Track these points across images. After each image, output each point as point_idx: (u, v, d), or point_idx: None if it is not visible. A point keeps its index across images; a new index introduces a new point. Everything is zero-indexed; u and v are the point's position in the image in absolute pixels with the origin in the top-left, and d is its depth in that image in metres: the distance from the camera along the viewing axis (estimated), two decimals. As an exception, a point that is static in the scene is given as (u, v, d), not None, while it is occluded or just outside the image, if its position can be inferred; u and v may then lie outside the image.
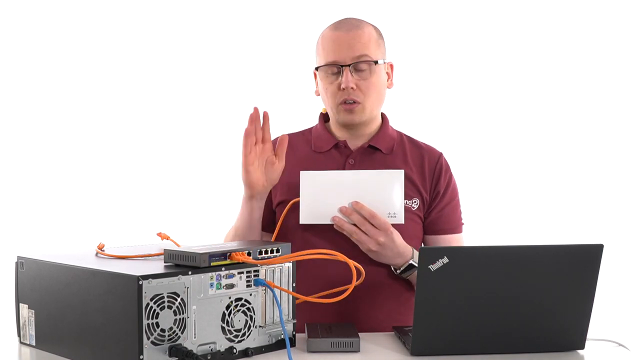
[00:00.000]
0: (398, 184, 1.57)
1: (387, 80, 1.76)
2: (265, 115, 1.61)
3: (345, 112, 1.69)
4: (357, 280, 1.42)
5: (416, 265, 1.58)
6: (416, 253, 1.62)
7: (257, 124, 1.60)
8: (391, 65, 1.77)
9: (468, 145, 3.29)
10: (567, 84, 3.36)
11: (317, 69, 1.73)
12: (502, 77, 3.37)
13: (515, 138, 3.38)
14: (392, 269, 1.65)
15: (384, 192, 1.57)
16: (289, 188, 1.71)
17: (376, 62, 1.67)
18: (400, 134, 1.81)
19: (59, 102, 3.34)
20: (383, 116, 1.81)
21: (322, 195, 1.58)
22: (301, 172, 1.60)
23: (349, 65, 1.65)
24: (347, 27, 1.68)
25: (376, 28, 1.74)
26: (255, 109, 1.60)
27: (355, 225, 1.56)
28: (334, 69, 1.67)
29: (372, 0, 3.19)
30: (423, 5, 3.35)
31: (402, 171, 1.59)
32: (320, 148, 1.77)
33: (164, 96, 3.39)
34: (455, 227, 1.77)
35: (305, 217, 1.58)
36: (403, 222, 1.58)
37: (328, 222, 1.58)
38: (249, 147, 1.60)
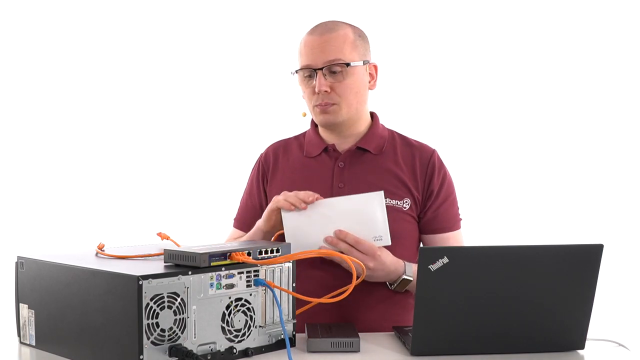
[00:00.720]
0: (379, 206, 1.55)
1: (370, 82, 1.74)
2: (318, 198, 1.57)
3: (321, 113, 1.69)
4: (357, 278, 1.42)
5: (409, 279, 1.58)
6: (409, 266, 1.61)
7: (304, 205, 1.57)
8: (375, 66, 1.75)
9: (469, 145, 3.30)
10: (567, 85, 3.37)
11: (293, 73, 1.73)
12: (504, 77, 3.37)
13: (516, 139, 3.38)
14: (387, 284, 1.65)
15: (367, 216, 1.55)
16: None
17: (348, 65, 1.65)
18: (392, 133, 1.80)
19: (59, 102, 3.34)
20: (373, 115, 1.80)
21: (306, 227, 1.56)
22: (282, 210, 1.57)
23: (321, 69, 1.65)
24: (320, 31, 1.68)
25: (355, 29, 1.72)
26: (315, 198, 1.56)
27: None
28: (308, 72, 1.68)
29: (368, 1, 3.19)
30: (418, 4, 3.35)
31: (382, 192, 1.57)
32: (310, 153, 1.77)
33: (164, 97, 3.40)
34: (452, 224, 1.76)
35: (293, 250, 1.57)
36: (390, 244, 1.56)
37: (324, 255, 1.55)
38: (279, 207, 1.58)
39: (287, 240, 1.57)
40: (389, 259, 1.57)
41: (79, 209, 3.31)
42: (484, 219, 3.06)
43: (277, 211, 1.59)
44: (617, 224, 3.29)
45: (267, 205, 1.76)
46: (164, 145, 3.40)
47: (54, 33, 3.31)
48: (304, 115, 1.80)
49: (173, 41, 3.38)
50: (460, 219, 1.79)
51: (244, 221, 1.81)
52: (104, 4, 3.33)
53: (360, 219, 1.55)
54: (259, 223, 1.66)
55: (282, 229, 1.60)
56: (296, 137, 1.85)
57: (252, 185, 1.84)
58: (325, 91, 1.65)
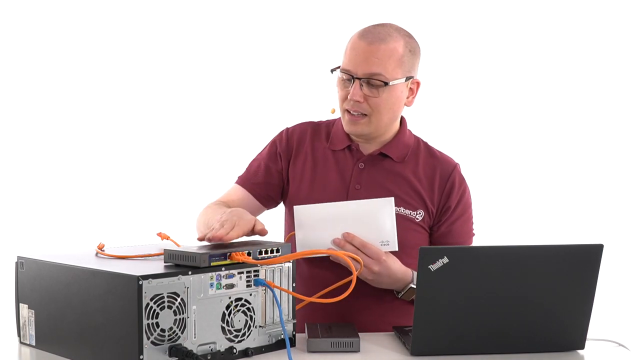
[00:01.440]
0: (389, 212, 1.57)
1: (408, 97, 1.69)
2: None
3: (350, 122, 1.66)
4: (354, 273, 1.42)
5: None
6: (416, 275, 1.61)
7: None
8: (417, 83, 1.70)
9: (468, 144, 3.29)
10: (567, 84, 3.36)
11: (333, 71, 1.69)
12: (504, 76, 3.37)
13: (516, 138, 3.38)
14: (394, 292, 1.64)
15: (376, 221, 1.57)
16: (302, 182, 1.72)
17: (386, 84, 1.60)
18: (418, 141, 1.77)
19: (59, 102, 3.34)
20: (402, 121, 1.77)
21: (317, 228, 1.57)
22: (295, 206, 1.59)
23: (360, 79, 1.61)
24: (371, 39, 1.61)
25: (408, 43, 1.65)
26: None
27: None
28: (347, 76, 1.64)
29: (384, 4, 3.19)
30: (436, 10, 3.35)
31: (392, 199, 1.58)
32: (334, 146, 1.75)
33: (164, 96, 3.39)
34: (464, 240, 1.75)
35: (301, 248, 1.58)
36: (397, 250, 1.57)
37: (324, 254, 1.57)
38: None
39: (297, 237, 1.59)
40: (396, 265, 1.57)
41: (79, 209, 3.31)
42: (485, 220, 3.05)
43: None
44: (617, 224, 3.29)
45: (278, 181, 1.76)
46: (164, 145, 3.39)
47: (54, 33, 3.31)
48: (333, 111, 1.77)
49: (173, 39, 3.38)
50: (473, 234, 1.78)
51: (248, 182, 1.77)
52: (104, 4, 3.33)
53: (368, 223, 1.57)
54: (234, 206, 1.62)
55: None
56: (327, 124, 1.81)
57: (268, 156, 1.79)
58: (357, 101, 1.62)
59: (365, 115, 1.64)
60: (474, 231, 1.78)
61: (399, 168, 1.71)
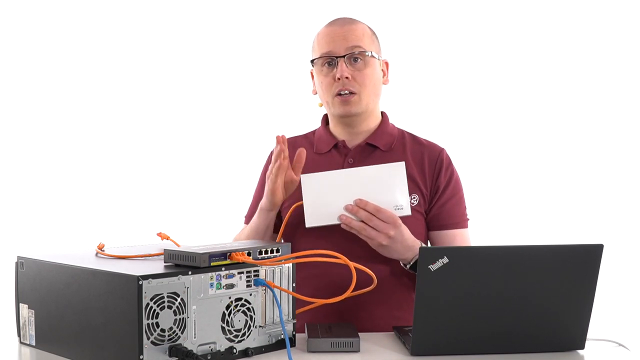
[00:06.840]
0: (400, 177, 1.56)
1: (383, 77, 1.78)
2: (284, 138, 1.60)
3: (341, 103, 1.70)
4: (369, 286, 1.44)
5: None
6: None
7: (284, 147, 1.59)
8: (386, 63, 1.80)
9: (469, 144, 3.29)
10: (568, 84, 3.36)
11: (312, 62, 1.76)
12: (505, 77, 3.37)
13: (516, 138, 3.38)
14: (402, 264, 1.64)
15: (388, 186, 1.56)
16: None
17: (369, 53, 1.70)
18: (402, 131, 1.81)
19: (59, 102, 3.34)
20: (383, 114, 1.82)
21: (326, 196, 1.55)
22: (301, 175, 1.59)
23: (343, 56, 1.69)
24: (341, 23, 1.73)
25: (370, 27, 1.77)
26: (282, 136, 1.59)
27: (363, 222, 1.54)
28: (329, 60, 1.70)
29: (382, 6, 3.20)
30: (426, 3, 3.35)
31: (403, 163, 1.58)
32: (320, 150, 1.78)
33: (164, 97, 3.39)
34: (458, 222, 1.76)
35: (311, 220, 1.56)
36: (410, 214, 1.57)
37: (334, 222, 1.55)
38: (277, 172, 1.60)
39: (305, 208, 1.57)
40: (408, 233, 1.57)
41: (79, 209, 3.31)
42: (485, 219, 3.05)
43: (280, 186, 1.60)
44: (617, 224, 3.29)
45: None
46: (163, 145, 3.40)
47: (54, 33, 3.31)
48: (321, 105, 1.80)
49: (172, 41, 3.38)
50: (468, 219, 1.79)
51: None
52: (104, 4, 3.33)
53: (381, 189, 1.55)
54: (263, 204, 1.66)
55: (284, 197, 1.62)
56: (305, 136, 1.86)
57: (263, 182, 1.82)
58: (347, 78, 1.67)
59: (354, 93, 1.69)
60: (467, 216, 1.79)
61: (388, 157, 1.74)
